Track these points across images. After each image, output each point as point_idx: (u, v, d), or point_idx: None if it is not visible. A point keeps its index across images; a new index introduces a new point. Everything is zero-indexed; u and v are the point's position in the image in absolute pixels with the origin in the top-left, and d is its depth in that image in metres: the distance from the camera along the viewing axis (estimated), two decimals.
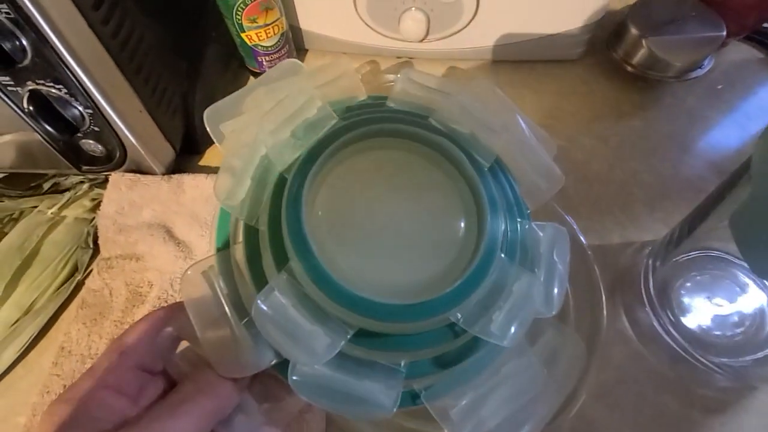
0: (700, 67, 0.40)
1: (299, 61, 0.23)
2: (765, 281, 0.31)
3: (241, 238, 0.19)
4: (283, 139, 0.19)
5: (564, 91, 0.44)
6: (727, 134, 0.41)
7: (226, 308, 0.18)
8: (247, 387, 0.20)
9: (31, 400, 0.30)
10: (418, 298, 0.17)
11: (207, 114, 0.21)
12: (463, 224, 0.19)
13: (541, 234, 0.20)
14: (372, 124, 0.20)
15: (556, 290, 0.20)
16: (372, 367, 0.18)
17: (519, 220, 0.20)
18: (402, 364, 0.18)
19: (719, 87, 0.43)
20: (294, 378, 0.17)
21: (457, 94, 0.21)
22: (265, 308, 0.16)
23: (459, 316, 0.17)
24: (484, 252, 0.18)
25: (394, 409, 0.17)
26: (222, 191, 0.19)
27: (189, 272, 0.19)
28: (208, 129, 0.21)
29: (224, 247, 0.20)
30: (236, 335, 0.18)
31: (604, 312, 0.29)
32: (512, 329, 0.18)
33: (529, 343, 0.20)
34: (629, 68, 0.42)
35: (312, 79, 0.21)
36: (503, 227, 0.19)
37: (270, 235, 0.18)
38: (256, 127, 0.19)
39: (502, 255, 0.19)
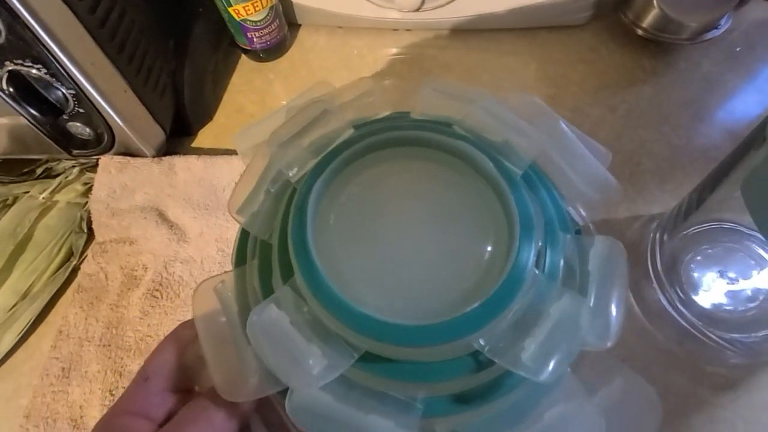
0: (716, 28, 0.37)
1: (328, 82, 0.22)
2: None
3: (257, 253, 0.18)
4: (296, 152, 0.18)
5: (570, 59, 0.41)
6: (746, 100, 0.38)
7: (234, 327, 0.17)
8: (256, 411, 0.19)
9: (33, 382, 0.30)
10: (434, 319, 0.15)
11: (237, 135, 0.21)
12: (491, 239, 0.17)
13: (590, 249, 0.17)
14: (388, 131, 0.18)
15: (612, 315, 0.16)
16: (383, 400, 0.16)
17: (562, 233, 0.18)
18: (418, 399, 0.16)
19: (738, 49, 0.40)
20: (290, 404, 0.15)
21: (484, 100, 0.19)
22: (259, 321, 0.15)
23: (483, 343, 0.15)
24: (513, 268, 0.15)
25: None
26: (234, 204, 0.18)
27: (201, 287, 0.18)
28: (237, 150, 0.21)
29: (241, 264, 0.19)
30: (242, 357, 0.17)
31: None
32: (550, 361, 0.14)
33: (584, 388, 0.16)
34: (640, 31, 0.39)
35: (334, 96, 0.20)
36: (540, 242, 0.16)
37: (278, 248, 0.17)
38: (269, 138, 0.18)
39: (540, 273, 0.16)
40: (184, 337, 0.19)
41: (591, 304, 0.16)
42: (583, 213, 0.19)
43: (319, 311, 0.16)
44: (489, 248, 0.17)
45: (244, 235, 0.20)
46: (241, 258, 0.20)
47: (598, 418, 0.16)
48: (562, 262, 0.17)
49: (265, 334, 0.15)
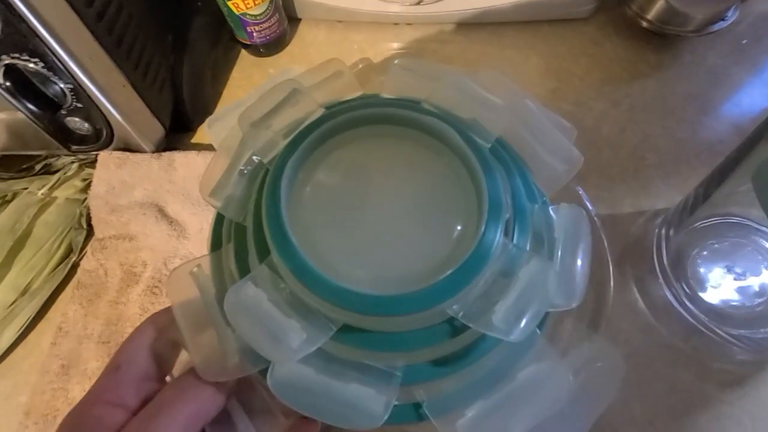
0: (722, 20, 0.37)
1: (294, 67, 0.22)
2: None
3: (232, 237, 0.19)
4: (267, 132, 0.18)
5: (573, 53, 0.41)
6: (752, 93, 0.38)
7: (212, 309, 0.18)
8: (234, 393, 0.19)
9: (32, 379, 0.30)
10: (408, 288, 0.15)
11: (208, 122, 0.21)
12: (461, 213, 0.17)
13: (555, 217, 0.18)
14: (358, 110, 0.18)
15: (577, 277, 0.17)
16: (363, 371, 0.16)
17: (529, 203, 0.18)
18: (397, 367, 0.16)
19: (744, 42, 0.40)
20: (273, 380, 0.15)
21: (452, 76, 0.20)
22: (236, 300, 0.15)
23: (456, 309, 0.15)
24: (483, 238, 0.16)
25: (385, 417, 0.15)
26: (207, 187, 0.18)
27: (176, 272, 0.18)
28: (211, 139, 0.21)
29: (217, 248, 0.19)
30: (221, 337, 0.17)
31: (611, 285, 0.27)
32: (519, 321, 0.15)
33: (555, 351, 0.18)
34: (644, 24, 0.39)
35: (303, 79, 0.20)
36: (508, 212, 0.17)
37: (253, 228, 0.17)
38: (238, 120, 0.18)
39: (511, 242, 0.17)
40: (159, 323, 0.19)
41: (557, 267, 0.17)
42: (549, 184, 0.20)
43: (296, 287, 0.16)
44: (460, 221, 0.17)
45: (219, 219, 0.21)
46: (216, 242, 0.20)
47: (567, 376, 0.17)
48: (530, 231, 0.18)
49: (243, 312, 0.15)
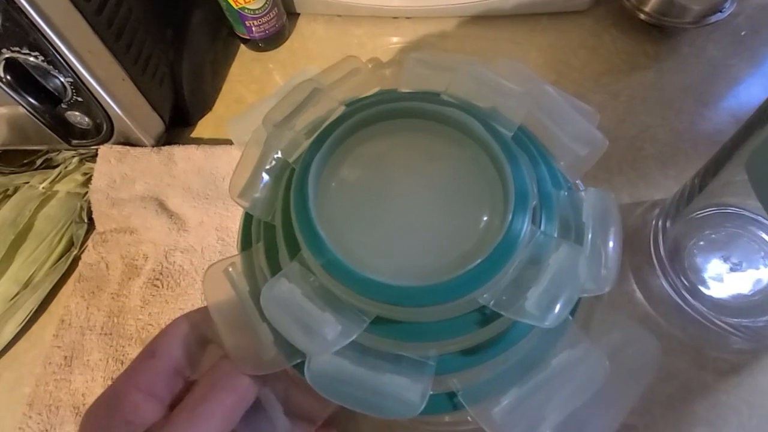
0: (720, 11, 0.37)
1: (310, 66, 0.22)
2: None
3: (261, 236, 0.19)
4: (290, 133, 0.19)
5: (572, 45, 0.41)
6: (751, 84, 0.38)
7: (248, 305, 0.18)
8: (267, 385, 0.19)
9: (35, 371, 0.31)
10: (438, 279, 0.15)
11: (231, 122, 0.21)
12: (487, 203, 0.17)
13: (583, 202, 0.18)
14: (377, 105, 0.18)
15: (609, 261, 0.17)
16: (397, 362, 0.16)
17: (554, 189, 0.18)
18: (430, 357, 0.17)
19: (743, 33, 0.40)
20: (309, 372, 0.16)
21: (469, 66, 0.20)
22: (272, 295, 0.16)
23: (487, 297, 0.15)
24: (511, 225, 0.16)
25: (422, 405, 0.15)
26: (236, 189, 0.19)
27: (210, 271, 0.19)
28: (231, 137, 0.21)
29: (247, 247, 0.20)
30: (257, 332, 0.17)
31: None
32: (552, 306, 0.15)
33: (587, 337, 0.17)
34: (642, 16, 0.39)
35: (322, 77, 0.21)
36: (534, 200, 0.17)
37: (282, 227, 0.17)
38: (262, 121, 0.19)
39: (539, 229, 0.17)
40: (193, 320, 0.19)
41: (587, 252, 0.17)
42: (574, 168, 0.20)
43: (328, 281, 0.16)
44: (486, 211, 0.17)
45: (247, 220, 0.21)
46: (246, 242, 0.20)
47: (603, 360, 0.16)
48: (557, 217, 0.17)
49: (278, 306, 0.15)
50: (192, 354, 0.19)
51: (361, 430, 0.28)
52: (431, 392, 0.16)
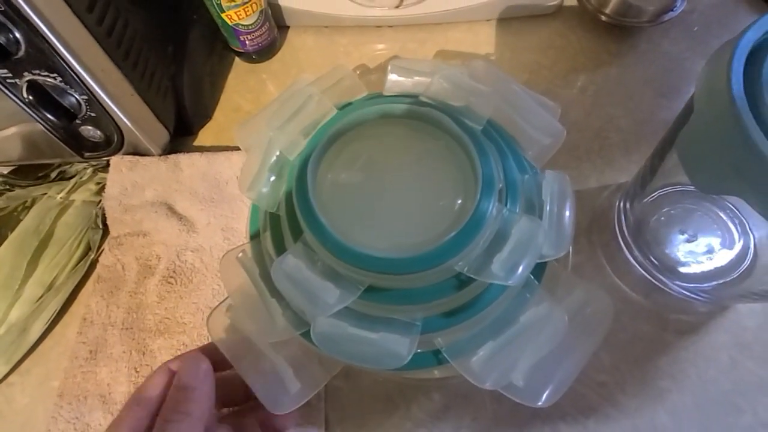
0: (671, 10, 0.41)
1: (306, 75, 0.26)
2: (737, 212, 0.33)
3: (268, 227, 0.22)
4: (290, 134, 0.22)
5: (541, 46, 0.44)
6: None
7: (259, 284, 0.21)
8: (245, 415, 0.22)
9: (62, 365, 0.33)
10: (419, 251, 0.18)
11: (237, 128, 0.25)
12: (460, 186, 0.20)
13: (542, 182, 0.21)
14: (365, 108, 0.22)
15: (563, 229, 0.20)
16: (389, 323, 0.19)
17: (519, 174, 0.21)
18: (417, 319, 0.20)
19: (695, 29, 0.44)
20: (315, 334, 0.19)
21: (443, 70, 0.23)
22: (281, 268, 0.19)
23: (462, 265, 0.18)
24: (479, 204, 0.19)
25: (408, 357, 0.18)
26: (244, 184, 0.22)
27: (226, 257, 0.22)
28: (237, 141, 0.24)
29: (256, 236, 0.23)
30: (268, 306, 0.20)
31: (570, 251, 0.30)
32: (515, 269, 0.18)
33: (551, 297, 0.21)
34: (603, 17, 0.42)
35: (315, 85, 0.24)
36: (500, 183, 0.20)
37: (287, 215, 0.20)
38: (265, 126, 0.22)
39: (505, 206, 0.20)
40: (172, 368, 0.22)
41: (546, 223, 0.20)
42: (539, 156, 0.23)
43: (327, 257, 0.19)
44: (461, 195, 0.20)
45: (254, 214, 0.24)
46: (254, 232, 0.23)
47: (563, 315, 0.20)
48: (521, 197, 0.21)
49: (287, 278, 0.19)
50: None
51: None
52: (420, 350, 0.19)
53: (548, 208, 0.21)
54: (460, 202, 0.20)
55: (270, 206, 0.22)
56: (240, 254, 0.22)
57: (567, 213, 0.21)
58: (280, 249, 0.21)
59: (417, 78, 0.23)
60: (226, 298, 0.22)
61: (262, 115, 0.24)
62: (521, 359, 0.20)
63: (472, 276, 0.18)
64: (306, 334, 0.20)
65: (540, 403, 0.19)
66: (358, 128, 0.21)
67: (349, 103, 0.23)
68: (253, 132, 0.24)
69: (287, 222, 0.20)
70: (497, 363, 0.20)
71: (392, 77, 0.23)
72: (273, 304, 0.20)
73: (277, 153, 0.22)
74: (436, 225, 0.19)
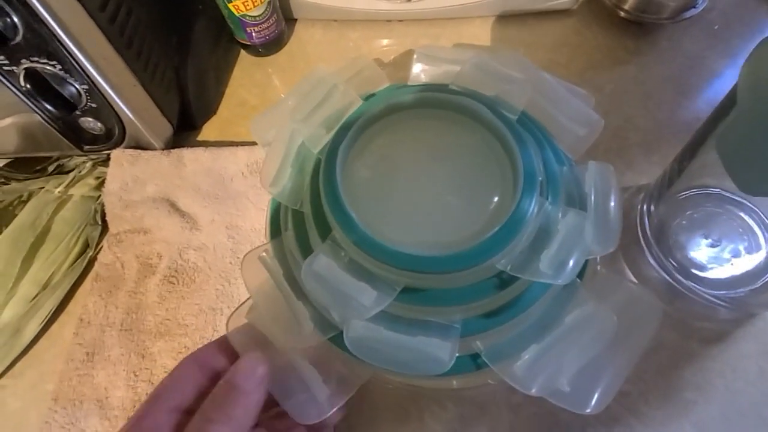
0: (694, 7, 0.40)
1: (321, 65, 0.24)
2: (762, 216, 0.31)
3: (290, 225, 0.21)
4: (315, 126, 0.21)
5: (557, 43, 0.43)
6: (724, 74, 0.40)
7: (283, 286, 0.20)
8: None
9: (58, 368, 0.32)
10: (458, 249, 0.17)
11: (252, 123, 0.23)
12: (497, 179, 0.19)
13: (585, 173, 0.20)
14: (392, 97, 0.20)
15: (610, 224, 0.19)
16: (426, 326, 0.18)
17: (558, 166, 0.20)
18: (456, 321, 0.18)
19: (716, 27, 0.42)
20: (348, 339, 0.17)
21: (474, 58, 0.22)
22: (311, 269, 0.17)
23: (505, 262, 0.17)
24: (522, 198, 0.17)
25: (451, 362, 0.17)
26: (267, 179, 0.20)
27: (247, 258, 0.20)
28: (253, 136, 0.23)
29: (276, 236, 0.22)
30: (294, 309, 0.19)
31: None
32: (564, 266, 0.17)
33: (595, 296, 0.19)
34: (622, 13, 0.41)
35: (337, 76, 0.22)
36: (541, 176, 0.19)
37: (313, 212, 0.19)
38: (286, 119, 0.21)
39: (546, 200, 0.18)
40: (202, 357, 0.21)
41: (592, 218, 0.19)
42: (574, 147, 0.22)
43: (359, 257, 0.18)
44: (497, 189, 0.19)
45: (275, 213, 0.23)
46: (275, 231, 0.22)
47: (611, 315, 0.18)
48: (562, 190, 0.19)
49: (318, 279, 0.17)
50: (201, 388, 0.20)
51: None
52: (456, 354, 0.18)
53: (593, 200, 0.19)
54: (498, 196, 0.19)
55: (292, 203, 0.20)
56: (262, 254, 0.21)
57: (613, 205, 0.19)
58: (305, 248, 0.19)
59: (445, 66, 0.22)
60: (247, 299, 0.21)
61: (281, 108, 0.23)
62: (567, 363, 0.18)
63: (515, 274, 0.17)
64: (334, 339, 0.19)
65: (589, 410, 0.18)
66: (386, 119, 0.20)
67: (373, 95, 0.22)
68: (272, 125, 0.23)
69: (313, 219, 0.19)
70: (542, 367, 0.18)
71: (418, 66, 0.22)
72: (299, 308, 0.19)
73: (301, 146, 0.21)
74: (473, 221, 0.18)
